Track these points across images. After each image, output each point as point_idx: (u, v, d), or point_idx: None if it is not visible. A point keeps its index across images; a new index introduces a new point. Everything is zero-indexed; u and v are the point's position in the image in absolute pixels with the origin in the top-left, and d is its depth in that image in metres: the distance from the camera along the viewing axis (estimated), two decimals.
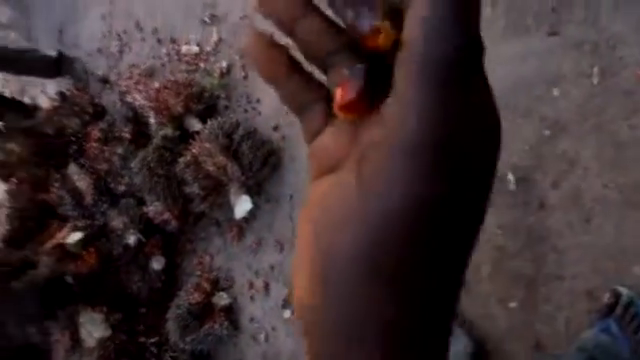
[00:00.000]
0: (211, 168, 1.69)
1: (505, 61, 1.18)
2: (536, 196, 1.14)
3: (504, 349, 1.13)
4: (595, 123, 1.06)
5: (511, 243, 1.16)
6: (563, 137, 1.10)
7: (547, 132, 1.13)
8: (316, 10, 0.21)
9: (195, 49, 1.99)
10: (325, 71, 0.21)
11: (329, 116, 0.22)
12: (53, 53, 2.61)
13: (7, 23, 3.29)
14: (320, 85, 0.22)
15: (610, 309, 0.97)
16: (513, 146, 1.17)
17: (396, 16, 0.18)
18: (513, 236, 1.16)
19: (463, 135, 0.18)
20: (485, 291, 1.18)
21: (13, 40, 3.12)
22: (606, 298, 1.00)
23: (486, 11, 1.21)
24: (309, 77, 0.22)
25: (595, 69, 1.06)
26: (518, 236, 1.16)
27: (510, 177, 1.17)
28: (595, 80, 1.06)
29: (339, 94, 0.19)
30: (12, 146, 2.29)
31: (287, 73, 0.22)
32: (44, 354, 2.12)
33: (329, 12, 0.21)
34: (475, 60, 0.18)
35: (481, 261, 1.20)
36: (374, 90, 0.19)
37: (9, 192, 2.46)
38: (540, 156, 1.14)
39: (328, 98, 0.22)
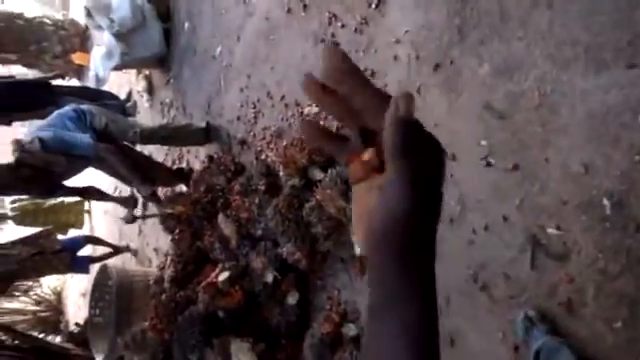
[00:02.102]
0: (332, 211, 2.02)
1: (589, 95, 1.32)
2: (632, 219, 1.23)
3: None
4: None
5: (612, 265, 1.26)
6: None
7: (637, 157, 1.23)
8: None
9: (315, 109, 2.39)
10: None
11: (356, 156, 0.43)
12: (203, 124, 3.27)
13: (169, 102, 4.17)
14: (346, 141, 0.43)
15: None
16: (605, 173, 1.29)
17: (371, 136, 0.44)
18: (614, 258, 1.26)
19: (421, 174, 0.39)
20: (590, 313, 1.28)
21: (173, 117, 3.94)
22: None
23: (566, 52, 1.38)
24: (343, 139, 0.43)
25: None
26: (618, 258, 1.25)
27: (605, 202, 1.28)
28: None
29: (365, 157, 0.45)
30: (179, 207, 2.91)
31: (328, 140, 0.44)
32: None
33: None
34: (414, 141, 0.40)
35: (585, 284, 1.31)
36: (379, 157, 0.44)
37: (173, 241, 3.09)
38: (632, 181, 1.24)
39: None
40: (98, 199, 4.84)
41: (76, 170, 3.19)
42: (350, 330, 2.16)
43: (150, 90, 4.65)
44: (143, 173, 3.10)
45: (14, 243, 4.90)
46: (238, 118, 3.08)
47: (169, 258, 3.12)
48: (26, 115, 4.98)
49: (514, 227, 1.50)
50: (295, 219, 2.17)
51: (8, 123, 4.83)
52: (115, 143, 3.01)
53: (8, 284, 4.75)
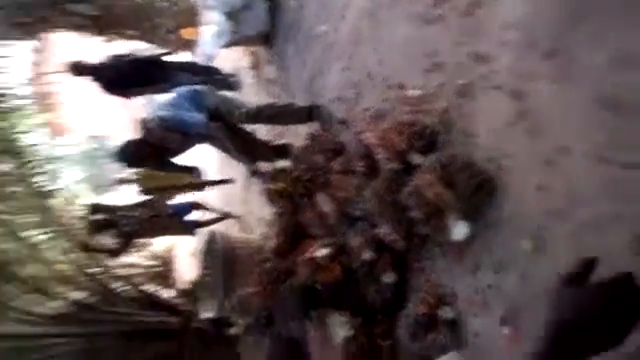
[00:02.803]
0: (431, 196, 2.07)
1: None
2: None
3: None
4: None
5: None
6: None
7: None
8: None
9: (418, 92, 2.42)
10: None
11: None
12: (306, 104, 3.43)
13: (273, 79, 4.40)
14: None
15: None
16: None
17: None
18: None
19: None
20: None
21: (277, 93, 4.17)
22: None
23: None
24: None
25: None
26: None
27: None
28: None
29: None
30: (281, 184, 3.13)
31: None
32: (302, 346, 2.82)
33: None
34: None
35: None
36: None
37: (277, 214, 3.34)
38: None
39: None
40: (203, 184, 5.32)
41: (189, 146, 3.54)
42: (446, 313, 2.22)
43: (255, 66, 4.92)
44: (249, 150, 3.35)
45: (136, 205, 5.53)
46: (339, 98, 3.18)
47: (272, 230, 3.37)
48: (142, 90, 5.53)
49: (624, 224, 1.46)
50: (392, 202, 2.26)
51: (128, 97, 5.41)
52: (224, 122, 3.28)
53: (129, 242, 5.40)
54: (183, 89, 3.43)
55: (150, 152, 3.33)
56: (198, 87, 3.49)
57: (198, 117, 3.21)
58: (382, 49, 2.77)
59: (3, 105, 4.78)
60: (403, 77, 2.56)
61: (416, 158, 2.28)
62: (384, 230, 2.38)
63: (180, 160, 3.81)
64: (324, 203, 2.78)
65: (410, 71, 2.50)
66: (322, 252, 2.72)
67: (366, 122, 2.84)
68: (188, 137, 3.27)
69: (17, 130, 4.94)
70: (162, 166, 3.80)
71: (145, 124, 3.25)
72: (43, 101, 6.05)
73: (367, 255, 2.53)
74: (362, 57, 2.96)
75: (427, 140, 2.27)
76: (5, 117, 4.74)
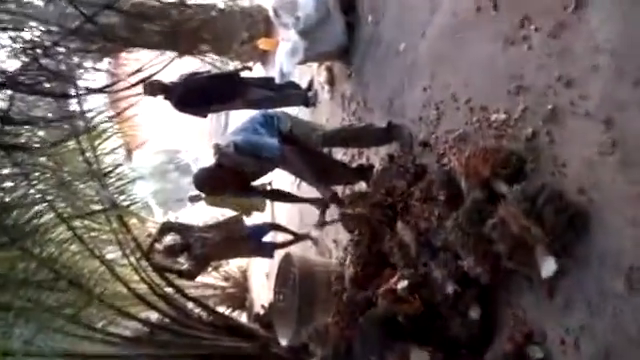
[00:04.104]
0: (516, 230, 2.17)
1: None
2: None
3: None
4: None
5: None
6: None
7: None
8: None
9: (503, 117, 2.53)
10: None
11: None
12: (384, 124, 3.62)
13: (350, 96, 4.64)
14: None
15: None
16: None
17: None
18: None
19: None
20: None
21: (354, 111, 4.40)
22: None
23: None
24: None
25: None
26: None
27: None
28: None
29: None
30: (359, 209, 3.33)
31: None
32: None
33: None
34: None
35: None
36: None
37: (353, 242, 3.54)
38: None
39: None
40: (284, 201, 5.64)
41: (265, 171, 3.85)
42: (535, 352, 2.28)
43: (331, 82, 5.19)
44: (325, 174, 3.59)
45: (210, 227, 5.97)
46: (420, 118, 3.34)
47: (349, 257, 3.57)
48: (220, 107, 5.98)
49: None
50: (476, 234, 2.37)
51: (205, 116, 5.86)
52: (299, 145, 3.55)
53: (204, 265, 5.81)
54: (256, 114, 3.74)
55: (226, 177, 3.66)
56: (271, 111, 3.80)
57: (272, 141, 3.50)
58: (465, 69, 2.90)
59: (86, 128, 5.40)
60: (487, 99, 2.67)
61: (501, 187, 2.39)
62: (468, 263, 2.48)
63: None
64: (404, 232, 2.94)
65: (494, 93, 2.61)
66: (403, 284, 2.86)
67: (449, 146, 2.98)
68: (263, 162, 3.56)
69: (99, 153, 5.54)
70: (242, 191, 4.14)
71: (219, 149, 3.59)
72: (121, 122, 6.70)
73: (450, 288, 2.64)
74: (444, 77, 3.10)
75: (513, 168, 2.38)
76: (88, 140, 5.35)
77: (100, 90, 6.38)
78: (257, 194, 4.37)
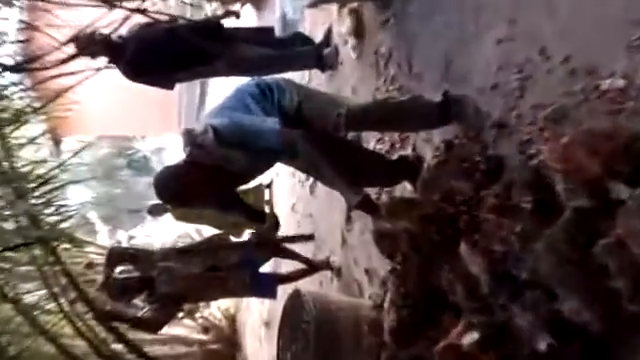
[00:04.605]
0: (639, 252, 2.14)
1: None
2: None
3: None
4: None
5: None
6: None
7: None
8: None
9: (620, 83, 2.48)
10: None
11: None
12: (438, 97, 3.59)
13: (386, 54, 4.61)
14: None
15: None
16: None
17: None
18: None
19: None
20: None
21: (392, 77, 4.38)
22: None
23: None
24: None
25: None
26: None
27: None
28: None
29: None
30: (402, 222, 3.31)
31: None
32: None
33: None
34: None
35: None
36: None
37: (395, 273, 3.51)
38: None
39: None
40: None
41: (259, 168, 3.82)
42: None
43: (358, 33, 5.16)
44: (350, 171, 3.56)
45: (182, 252, 6.00)
46: (494, 87, 3.30)
47: (388, 296, 3.55)
48: (193, 73, 6.00)
49: None
50: (581, 262, 2.34)
51: (171, 86, 5.89)
52: (311, 128, 3.53)
53: (173, 310, 5.84)
54: (247, 82, 3.72)
55: (201, 180, 3.61)
56: (269, 78, 3.77)
57: (270, 123, 3.47)
58: (563, 10, 2.85)
59: None
60: (595, 57, 2.62)
61: (619, 191, 2.35)
62: (569, 305, 2.45)
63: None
64: (471, 259, 2.91)
65: (607, 48, 2.57)
66: (471, 336, 2.84)
67: (537, 128, 2.94)
68: (257, 155, 3.53)
69: (11, 144, 5.55)
70: (222, 203, 4.13)
71: (191, 137, 3.56)
72: (44, 99, 6.75)
73: (543, 343, 2.61)
74: (531, 23, 3.05)
75: (636, 161, 2.33)
76: None
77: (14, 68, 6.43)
78: (245, 214, 4.36)
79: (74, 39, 5.51)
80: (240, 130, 3.46)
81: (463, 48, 3.64)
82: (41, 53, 6.57)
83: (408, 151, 4.27)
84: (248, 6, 8.41)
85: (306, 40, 5.85)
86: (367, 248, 4.96)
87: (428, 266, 3.29)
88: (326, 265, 6.22)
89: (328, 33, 5.87)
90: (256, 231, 6.24)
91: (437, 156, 3.63)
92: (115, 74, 5.57)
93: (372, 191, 4.37)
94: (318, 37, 5.94)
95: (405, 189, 4.16)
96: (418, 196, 3.62)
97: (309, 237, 6.77)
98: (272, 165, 3.94)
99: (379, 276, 4.57)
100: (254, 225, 6.21)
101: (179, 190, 3.67)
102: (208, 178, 3.59)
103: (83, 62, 5.83)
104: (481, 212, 2.95)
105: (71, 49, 5.68)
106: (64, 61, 6.23)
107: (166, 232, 12.09)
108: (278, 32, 5.45)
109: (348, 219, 5.54)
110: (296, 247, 6.58)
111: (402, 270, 3.44)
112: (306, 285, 6.13)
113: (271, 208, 8.54)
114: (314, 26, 6.05)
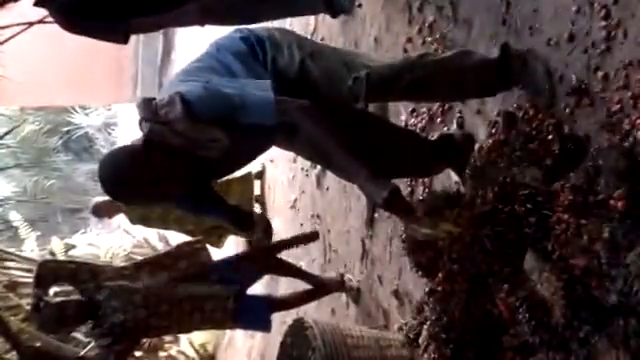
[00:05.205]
0: None
1: None
2: None
3: None
4: None
5: None
6: None
7: None
8: None
9: None
10: None
11: None
12: (494, 52, 3.59)
13: None
14: None
15: None
16: None
17: None
18: None
19: None
20: None
21: (431, 22, 4.37)
22: None
23: None
24: None
25: None
26: None
27: None
28: None
29: None
30: (446, 226, 3.32)
31: None
32: None
33: None
34: None
35: None
36: None
37: (434, 295, 3.53)
38: None
39: None
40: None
41: (246, 154, 3.81)
42: None
43: None
44: (372, 155, 3.55)
45: (139, 267, 6.02)
46: (570, 38, 3.30)
47: (425, 328, 3.57)
48: (152, 20, 5.98)
49: None
50: None
51: (124, 39, 5.88)
52: (318, 98, 3.53)
53: (130, 346, 5.86)
54: (231, 34, 3.70)
55: (164, 168, 3.55)
56: (258, 28, 3.75)
57: (261, 90, 3.46)
58: None
59: None
60: None
61: None
62: None
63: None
64: (540, 276, 2.93)
65: None
66: None
67: (631, 95, 2.94)
68: (243, 134, 3.51)
69: None
70: (195, 204, 4.11)
71: (153, 112, 3.51)
72: None
73: None
74: None
75: None
76: None
77: None
78: (224, 214, 4.31)
79: None
80: (219, 100, 3.37)
81: None
82: None
83: (453, 128, 4.28)
84: None
85: None
86: (396, 262, 4.98)
87: (480, 286, 3.30)
88: (339, 285, 6.21)
89: None
90: (246, 239, 6.21)
91: (493, 135, 3.65)
92: (46, 24, 5.56)
93: (403, 184, 4.36)
94: None
95: (449, 180, 4.15)
96: (467, 190, 3.62)
97: (311, 236, 6.73)
98: (264, 149, 3.93)
99: (413, 300, 4.58)
100: (239, 231, 6.15)
101: (134, 182, 3.51)
102: (174, 166, 3.48)
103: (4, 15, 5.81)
104: (554, 211, 2.96)
105: None
106: None
107: (117, 240, 12.09)
108: None
109: (370, 222, 5.54)
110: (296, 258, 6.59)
111: (445, 292, 3.46)
112: (312, 313, 6.15)
113: (262, 207, 8.56)
114: None
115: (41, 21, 5.55)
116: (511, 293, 3.07)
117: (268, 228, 5.45)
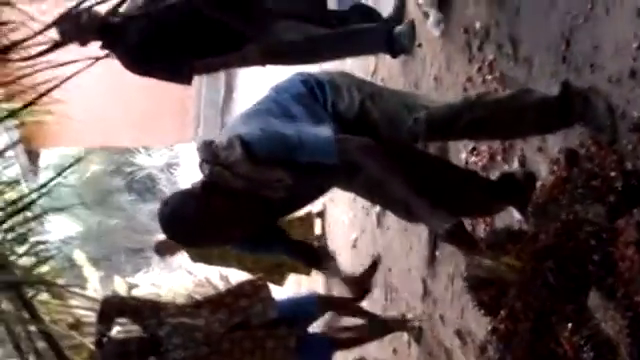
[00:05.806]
0: None
1: None
2: None
3: None
4: None
5: None
6: None
7: None
8: None
9: None
10: None
11: None
12: (554, 90, 3.57)
13: (481, 30, 4.62)
14: None
15: None
16: None
17: None
18: None
19: None
20: None
21: (491, 60, 4.37)
22: None
23: None
24: None
25: None
26: None
27: None
28: None
29: None
30: (508, 260, 3.30)
31: None
32: None
33: None
34: None
35: None
36: None
37: (498, 333, 3.50)
38: None
39: None
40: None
41: (308, 194, 3.83)
42: None
43: (444, 2, 5.17)
44: (433, 195, 3.55)
45: (200, 304, 6.06)
46: (632, 74, 3.28)
47: None
48: (218, 62, 6.04)
49: None
50: None
51: (188, 79, 5.95)
52: (378, 138, 3.53)
53: None
54: (290, 79, 3.72)
55: (224, 211, 3.55)
56: (320, 72, 3.78)
57: (322, 132, 3.46)
58: None
59: None
60: None
61: None
62: None
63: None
64: (604, 314, 2.89)
65: None
66: None
67: None
68: (304, 176, 3.51)
69: None
70: (253, 244, 4.10)
71: (214, 154, 3.53)
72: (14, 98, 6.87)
73: None
74: None
75: None
76: None
77: None
78: (290, 252, 4.32)
79: (59, 20, 5.58)
80: (278, 140, 3.39)
81: (588, 21, 3.63)
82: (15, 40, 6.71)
83: (514, 166, 4.27)
84: None
85: (370, 14, 5.87)
86: (459, 301, 4.95)
87: (544, 325, 3.27)
88: (401, 324, 6.19)
89: (401, 3, 5.89)
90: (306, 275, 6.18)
91: (555, 172, 3.62)
92: (111, 66, 5.63)
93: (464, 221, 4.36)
94: (387, 9, 5.96)
95: (510, 218, 4.13)
96: (529, 227, 3.60)
97: (373, 266, 6.72)
98: (326, 189, 3.95)
99: (476, 340, 4.55)
100: (308, 266, 6.10)
101: (194, 226, 3.55)
102: (236, 208, 3.50)
103: (70, 51, 5.88)
104: (618, 248, 2.94)
105: (55, 34, 5.74)
106: (46, 50, 6.32)
107: (179, 279, 12.16)
108: (332, 3, 5.48)
109: (431, 260, 5.52)
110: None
111: (508, 330, 3.43)
112: (374, 352, 6.13)
113: (323, 245, 8.56)
114: None
115: (107, 55, 5.59)
116: (575, 332, 3.04)
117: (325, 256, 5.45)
